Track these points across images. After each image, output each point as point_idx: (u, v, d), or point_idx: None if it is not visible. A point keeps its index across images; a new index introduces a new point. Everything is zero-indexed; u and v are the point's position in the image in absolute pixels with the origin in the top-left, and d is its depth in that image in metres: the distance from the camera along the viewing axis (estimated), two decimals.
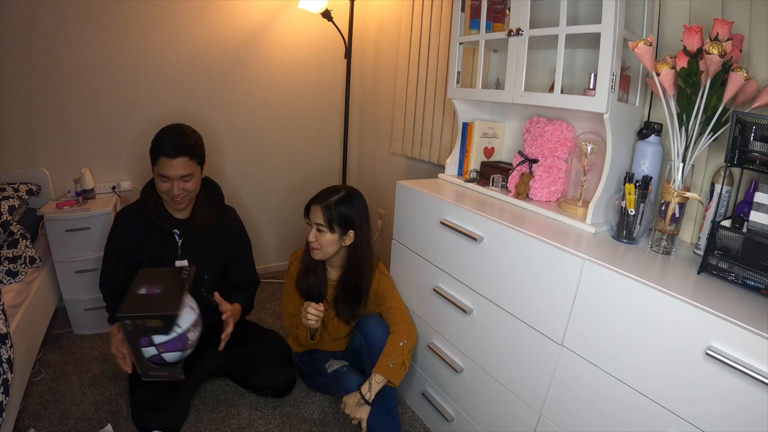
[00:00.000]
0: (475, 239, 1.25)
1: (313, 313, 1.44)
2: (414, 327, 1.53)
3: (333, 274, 1.59)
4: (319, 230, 1.46)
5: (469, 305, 1.32)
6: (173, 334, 1.24)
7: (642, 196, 1.07)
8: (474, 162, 1.58)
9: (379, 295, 1.57)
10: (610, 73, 1.08)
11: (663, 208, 1.05)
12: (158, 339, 1.23)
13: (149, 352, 1.24)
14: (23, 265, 1.64)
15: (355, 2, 2.31)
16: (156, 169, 1.41)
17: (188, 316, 1.29)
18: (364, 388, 1.39)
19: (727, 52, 0.90)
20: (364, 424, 1.37)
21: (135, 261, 1.50)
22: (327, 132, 2.67)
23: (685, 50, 0.97)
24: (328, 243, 1.46)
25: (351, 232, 1.48)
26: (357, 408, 1.38)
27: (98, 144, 2.10)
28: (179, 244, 1.52)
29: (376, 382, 1.39)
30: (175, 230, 1.52)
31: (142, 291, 1.29)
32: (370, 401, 1.38)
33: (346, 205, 1.46)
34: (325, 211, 1.44)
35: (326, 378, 1.58)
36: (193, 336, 1.30)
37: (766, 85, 0.93)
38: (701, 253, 1.01)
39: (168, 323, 1.24)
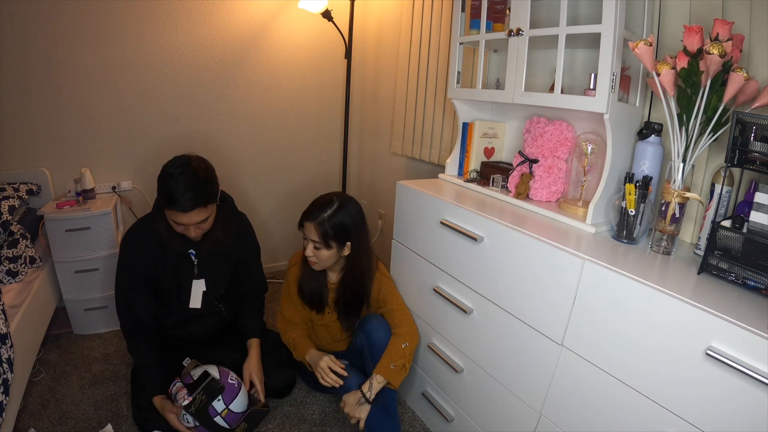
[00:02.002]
0: (475, 239, 1.25)
1: (334, 376, 1.41)
2: (416, 329, 1.52)
3: (333, 277, 1.58)
4: (316, 247, 1.43)
5: (469, 305, 1.32)
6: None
7: (642, 197, 1.07)
8: (474, 162, 1.58)
9: (380, 298, 1.56)
10: (610, 73, 1.08)
11: (663, 208, 1.05)
12: (218, 405, 1.33)
13: (221, 421, 1.33)
14: (23, 265, 1.64)
15: (355, 2, 2.31)
16: (169, 215, 1.33)
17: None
18: (365, 387, 1.39)
19: (728, 52, 0.90)
20: (362, 423, 1.37)
21: (153, 282, 1.47)
22: (327, 132, 2.67)
23: (685, 50, 0.97)
24: (326, 258, 1.45)
25: (348, 243, 1.47)
26: (357, 407, 1.38)
27: (98, 144, 2.10)
28: (195, 263, 1.49)
29: (377, 382, 1.39)
30: (191, 250, 1.48)
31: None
32: (371, 400, 1.38)
33: (340, 218, 1.42)
34: (319, 228, 1.40)
35: None
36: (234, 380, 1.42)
37: (766, 86, 0.93)
38: (701, 253, 1.02)
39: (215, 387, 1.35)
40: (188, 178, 1.28)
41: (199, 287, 1.51)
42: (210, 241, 1.47)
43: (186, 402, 1.28)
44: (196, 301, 1.52)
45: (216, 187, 1.39)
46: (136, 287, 1.45)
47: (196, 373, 1.39)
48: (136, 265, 1.44)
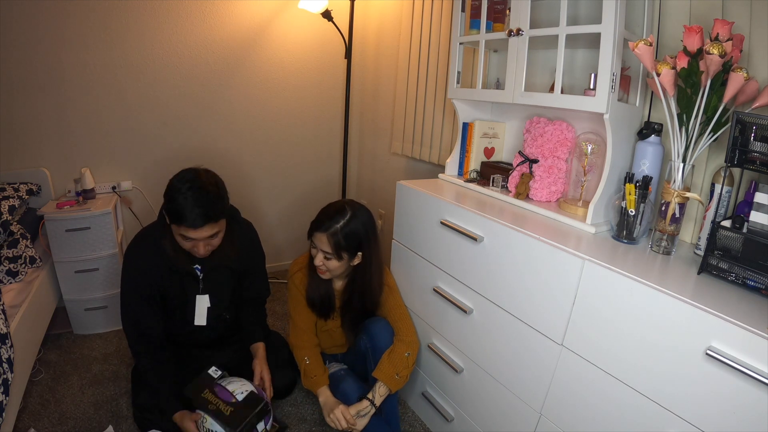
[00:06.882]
0: (475, 239, 1.25)
1: (344, 425, 1.36)
2: (417, 339, 1.52)
3: (338, 284, 1.55)
4: (326, 258, 1.39)
5: (469, 305, 1.32)
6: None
7: (642, 197, 1.07)
8: (474, 162, 1.58)
9: (384, 311, 1.55)
10: (610, 73, 1.08)
11: (663, 208, 1.05)
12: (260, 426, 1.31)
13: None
14: (23, 265, 1.64)
15: (355, 2, 2.31)
16: (177, 229, 1.27)
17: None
18: (370, 395, 1.39)
19: (728, 52, 0.90)
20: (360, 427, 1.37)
21: (159, 298, 1.43)
22: (327, 132, 2.67)
23: (685, 50, 0.97)
24: (336, 268, 1.41)
25: (360, 254, 1.43)
26: (356, 418, 1.37)
27: (98, 144, 2.10)
28: (200, 278, 1.45)
29: (379, 396, 1.40)
30: (197, 266, 1.44)
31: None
32: (377, 406, 1.39)
33: (352, 228, 1.37)
34: (331, 239, 1.35)
35: None
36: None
37: (766, 86, 0.93)
38: (701, 253, 1.02)
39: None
40: (197, 194, 1.23)
41: (203, 303, 1.48)
42: (217, 257, 1.42)
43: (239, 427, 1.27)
44: (201, 319, 1.49)
45: (226, 201, 1.34)
46: (143, 305, 1.40)
47: (236, 389, 1.33)
48: (141, 282, 1.39)
